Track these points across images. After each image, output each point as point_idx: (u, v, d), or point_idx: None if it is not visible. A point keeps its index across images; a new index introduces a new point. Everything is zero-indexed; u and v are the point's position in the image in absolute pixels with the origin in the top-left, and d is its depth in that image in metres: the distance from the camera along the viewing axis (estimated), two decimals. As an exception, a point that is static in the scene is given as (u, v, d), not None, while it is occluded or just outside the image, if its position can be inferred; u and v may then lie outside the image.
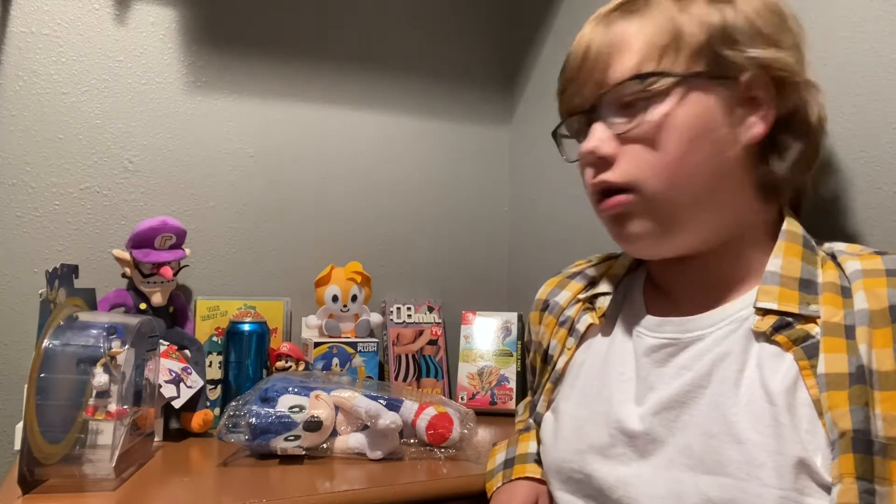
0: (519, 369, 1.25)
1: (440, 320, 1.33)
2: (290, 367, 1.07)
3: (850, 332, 0.51)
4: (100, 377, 0.77)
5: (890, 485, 0.46)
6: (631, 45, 0.58)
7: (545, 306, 0.78)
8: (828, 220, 0.72)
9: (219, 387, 1.09)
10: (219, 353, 1.11)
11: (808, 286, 0.55)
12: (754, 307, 0.56)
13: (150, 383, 0.90)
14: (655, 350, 0.62)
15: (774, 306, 0.55)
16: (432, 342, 1.31)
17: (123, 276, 1.06)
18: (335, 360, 1.13)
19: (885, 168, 0.68)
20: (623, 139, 0.59)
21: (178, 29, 1.19)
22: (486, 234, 1.45)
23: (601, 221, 0.65)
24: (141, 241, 1.02)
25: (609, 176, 0.60)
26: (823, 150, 0.68)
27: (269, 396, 0.90)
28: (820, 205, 0.71)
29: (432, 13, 1.40)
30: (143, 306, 1.03)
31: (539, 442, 0.74)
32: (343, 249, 1.30)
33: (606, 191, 0.61)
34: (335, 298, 1.17)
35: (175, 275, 1.05)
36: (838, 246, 0.59)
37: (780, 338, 0.54)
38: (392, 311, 1.30)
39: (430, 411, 0.93)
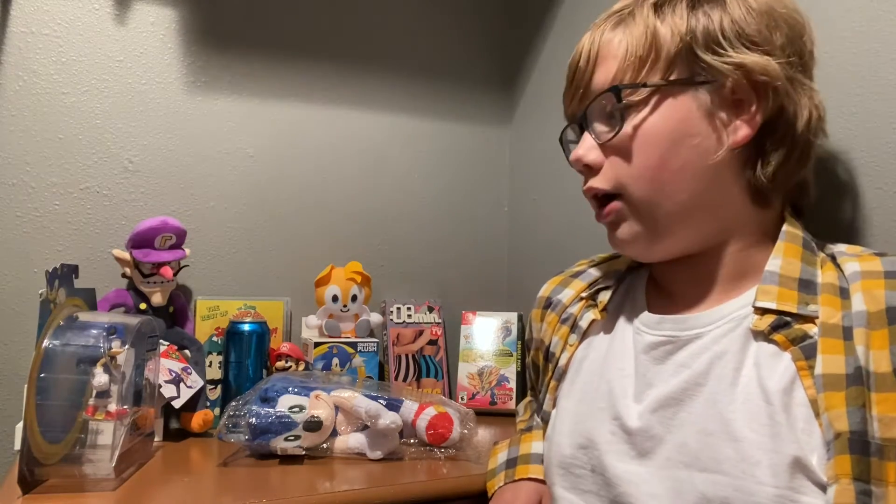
0: (519, 369, 1.25)
1: (440, 320, 1.33)
2: (290, 367, 1.07)
3: (847, 333, 0.51)
4: (100, 377, 0.77)
5: (886, 486, 0.46)
6: (613, 55, 0.61)
7: (548, 304, 0.78)
8: (828, 221, 0.72)
9: (219, 387, 1.09)
10: (219, 353, 1.11)
11: (807, 286, 0.56)
12: (753, 306, 0.56)
13: (150, 383, 0.90)
14: (654, 347, 0.62)
15: (773, 306, 0.55)
16: (432, 342, 1.31)
17: (123, 276, 1.06)
18: (335, 360, 1.13)
19: (885, 168, 0.68)
20: (606, 148, 0.62)
21: (178, 29, 1.19)
22: (486, 234, 1.45)
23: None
24: (141, 241, 1.02)
25: (596, 182, 0.63)
26: (822, 150, 0.69)
27: (269, 396, 0.90)
28: (820, 205, 0.71)
29: (432, 13, 1.40)
30: (143, 306, 1.03)
31: (545, 440, 0.74)
32: (343, 249, 1.30)
33: (601, 198, 0.64)
34: (335, 298, 1.17)
35: (175, 275, 1.05)
36: (839, 247, 0.59)
37: (778, 337, 0.54)
38: (392, 311, 1.30)
39: (430, 411, 0.93)
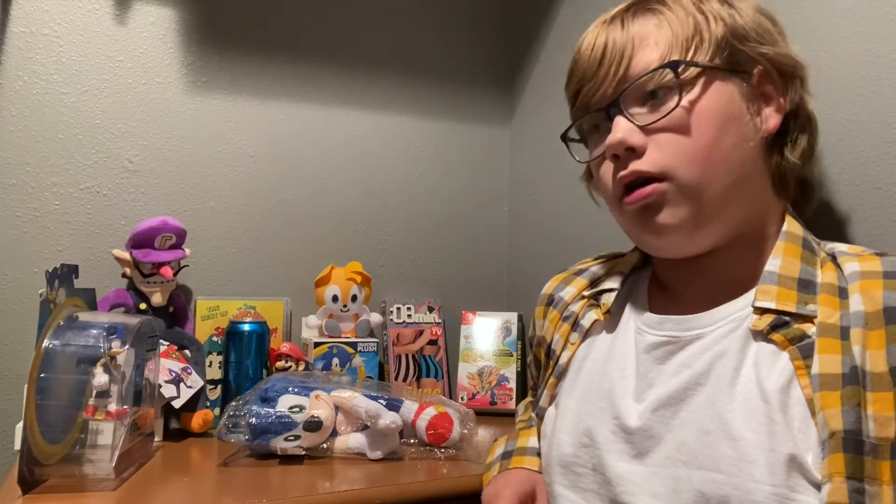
0: (519, 369, 1.25)
1: (440, 320, 1.33)
2: (290, 367, 1.07)
3: (845, 333, 0.51)
4: (100, 377, 0.77)
5: (880, 485, 0.46)
6: (654, 39, 0.60)
7: (550, 301, 0.78)
8: (828, 220, 0.72)
9: (219, 387, 1.09)
10: (219, 353, 1.11)
11: (806, 286, 0.56)
12: (752, 306, 0.57)
13: (150, 383, 0.90)
14: (656, 347, 0.62)
15: (772, 305, 0.55)
16: (432, 342, 1.31)
17: (123, 276, 1.06)
18: (335, 360, 1.13)
19: (885, 168, 0.68)
20: (650, 129, 0.59)
21: (177, 29, 1.19)
22: (486, 235, 1.45)
23: (622, 219, 0.64)
24: (141, 241, 1.03)
25: (641, 165, 0.59)
26: (822, 150, 0.69)
27: (269, 396, 0.90)
28: (820, 205, 0.71)
29: (432, 13, 1.40)
30: (143, 306, 1.04)
31: (540, 437, 0.74)
32: (343, 249, 1.31)
33: (633, 183, 0.60)
34: (335, 298, 1.17)
35: (175, 275, 1.05)
36: (839, 247, 0.59)
37: (776, 336, 0.54)
38: (392, 311, 1.30)
39: (430, 411, 0.93)
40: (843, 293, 0.53)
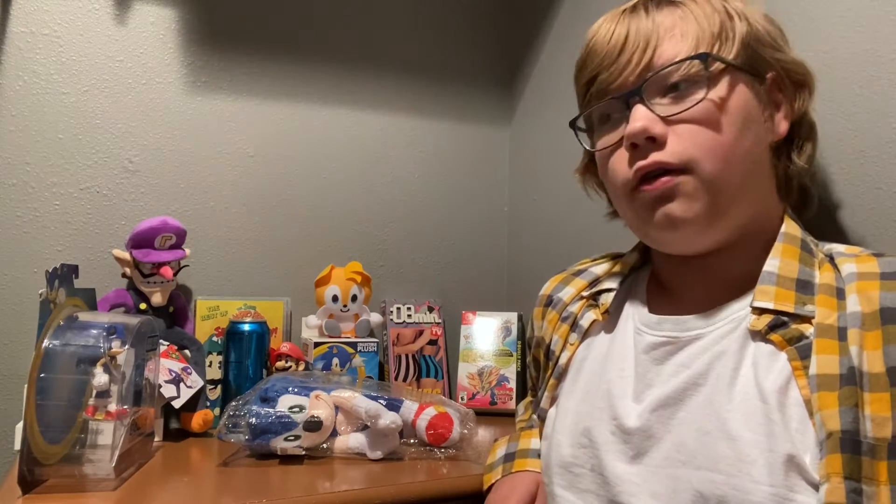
0: (519, 369, 1.25)
1: (440, 320, 1.33)
2: (290, 367, 1.07)
3: (842, 333, 0.51)
4: (100, 377, 0.77)
5: (878, 485, 0.46)
6: (680, 31, 0.59)
7: (549, 302, 0.78)
8: (828, 221, 0.72)
9: (219, 387, 1.09)
10: (219, 353, 1.11)
11: (804, 286, 0.56)
12: (751, 307, 0.57)
13: (150, 383, 0.90)
14: (655, 348, 0.62)
15: (770, 306, 0.55)
16: (432, 342, 1.31)
17: (123, 276, 1.06)
18: (335, 360, 1.13)
19: (885, 168, 0.68)
20: (672, 120, 0.58)
21: (177, 29, 1.19)
22: (486, 234, 1.45)
23: (630, 212, 0.63)
24: (141, 241, 1.03)
25: (662, 156, 0.58)
26: (822, 150, 0.70)
27: (269, 396, 0.90)
28: (820, 205, 0.71)
29: (432, 13, 1.40)
30: (143, 306, 1.04)
31: (542, 438, 0.74)
32: (343, 249, 1.31)
33: (649, 174, 0.59)
34: (335, 298, 1.17)
35: (175, 275, 1.05)
36: (837, 248, 0.59)
37: (774, 337, 0.54)
38: (392, 311, 1.30)
39: (430, 411, 0.93)
40: (840, 294, 0.53)
